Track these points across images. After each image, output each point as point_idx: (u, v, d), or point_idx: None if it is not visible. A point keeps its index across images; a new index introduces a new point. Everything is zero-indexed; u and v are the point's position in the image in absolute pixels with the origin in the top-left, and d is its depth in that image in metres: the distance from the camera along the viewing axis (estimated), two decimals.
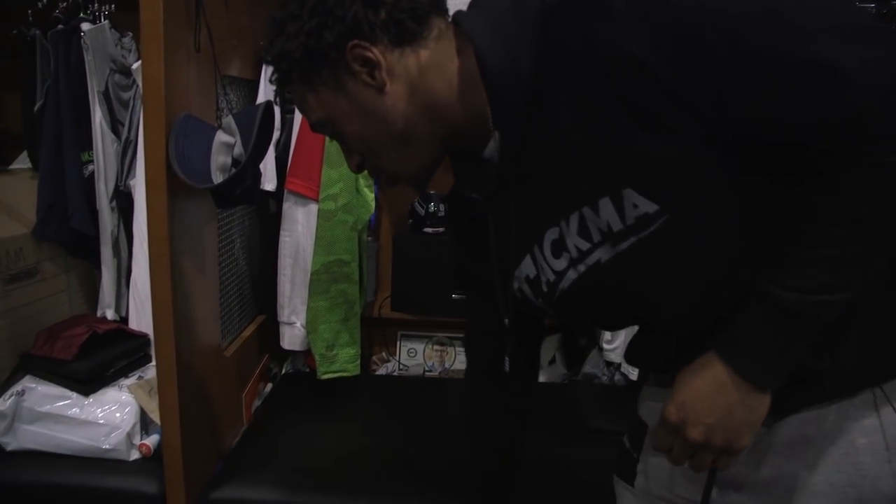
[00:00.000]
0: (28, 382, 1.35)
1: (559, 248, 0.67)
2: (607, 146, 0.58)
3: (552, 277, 0.69)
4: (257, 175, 1.27)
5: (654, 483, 0.79)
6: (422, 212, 1.89)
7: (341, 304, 1.52)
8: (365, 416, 1.56)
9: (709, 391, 0.63)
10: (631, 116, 0.56)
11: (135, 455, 1.33)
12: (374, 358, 1.98)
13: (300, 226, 1.54)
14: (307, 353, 1.66)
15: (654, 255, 0.62)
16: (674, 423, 0.65)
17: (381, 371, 1.97)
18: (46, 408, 1.32)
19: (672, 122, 0.55)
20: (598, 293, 0.69)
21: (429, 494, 1.28)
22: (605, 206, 0.60)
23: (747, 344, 0.61)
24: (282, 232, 1.57)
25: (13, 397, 1.32)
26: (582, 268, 0.66)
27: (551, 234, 0.67)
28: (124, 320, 1.54)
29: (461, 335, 2.01)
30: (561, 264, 0.68)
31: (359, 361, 1.59)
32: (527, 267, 0.71)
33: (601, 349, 1.71)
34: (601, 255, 0.64)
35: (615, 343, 1.65)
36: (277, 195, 1.59)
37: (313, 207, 1.52)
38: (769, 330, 0.60)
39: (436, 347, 2.00)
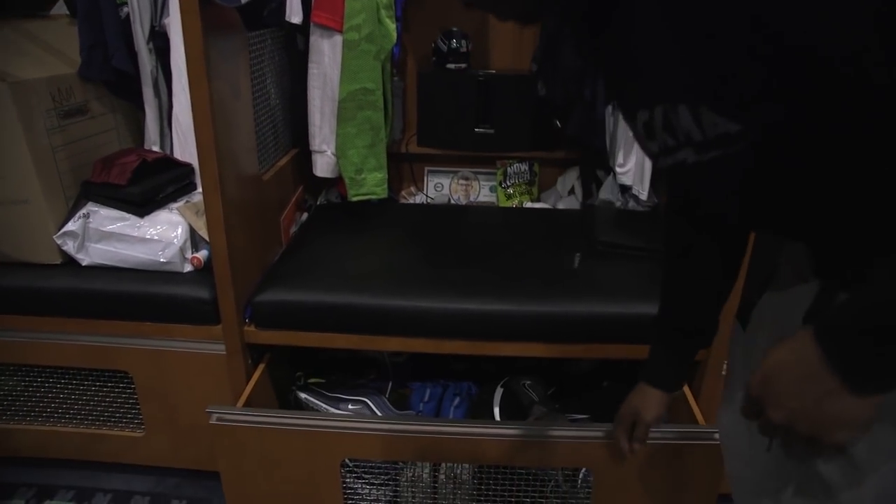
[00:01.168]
0: (91, 207, 1.51)
1: (650, 131, 0.62)
2: (693, 53, 0.53)
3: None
4: None
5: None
6: (444, 48, 1.92)
7: (367, 131, 1.62)
8: (397, 236, 1.70)
9: (798, 374, 0.54)
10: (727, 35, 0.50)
11: (188, 267, 1.50)
12: (403, 192, 2.09)
13: (326, 57, 1.60)
14: (339, 181, 1.77)
15: (735, 173, 0.58)
16: (754, 398, 0.58)
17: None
18: (109, 228, 1.49)
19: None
20: (688, 188, 0.71)
21: (459, 296, 1.43)
22: (684, 112, 0.56)
23: (849, 336, 0.51)
24: (310, 65, 1.64)
25: (81, 219, 1.48)
26: (669, 160, 0.62)
27: (642, 116, 0.63)
28: None
29: (485, 170, 2.10)
30: (653, 147, 0.64)
31: (386, 185, 1.70)
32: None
33: (615, 174, 1.78)
34: (686, 155, 0.60)
35: (627, 166, 1.71)
36: (304, 29, 1.64)
37: (338, 39, 1.57)
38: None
39: (461, 182, 2.10)
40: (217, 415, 1.29)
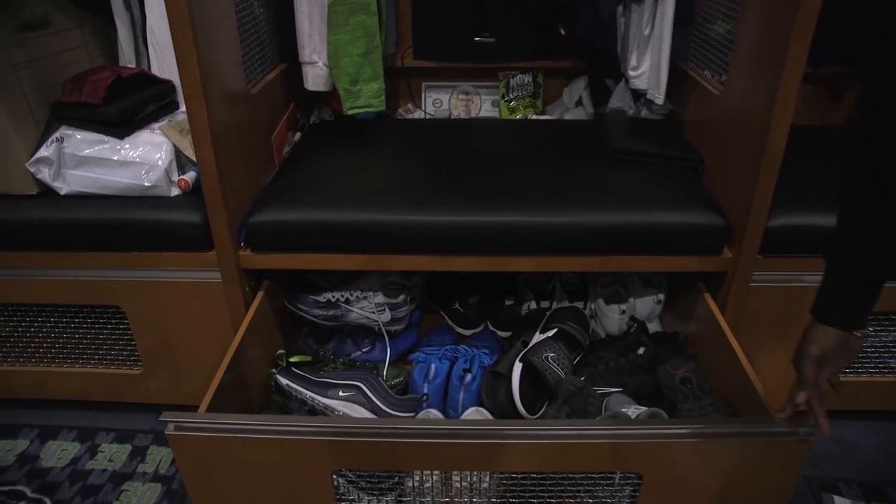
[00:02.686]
0: (65, 130, 1.39)
1: None
2: None
3: None
4: None
5: None
6: None
7: (361, 37, 1.48)
8: (398, 151, 1.58)
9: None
10: None
11: (175, 191, 1.40)
12: (400, 110, 1.97)
13: None
14: (332, 96, 1.65)
15: None
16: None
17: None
18: (87, 152, 1.37)
19: None
20: None
21: (470, 209, 1.33)
22: None
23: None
24: None
25: (54, 144, 1.36)
26: None
27: None
28: None
29: (486, 83, 1.97)
30: None
31: (383, 97, 1.58)
32: None
33: (627, 79, 1.66)
34: None
35: (641, 68, 1.60)
36: None
37: None
38: None
39: (461, 97, 1.97)
40: (175, 423, 1.01)
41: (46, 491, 1.42)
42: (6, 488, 1.43)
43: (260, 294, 1.41)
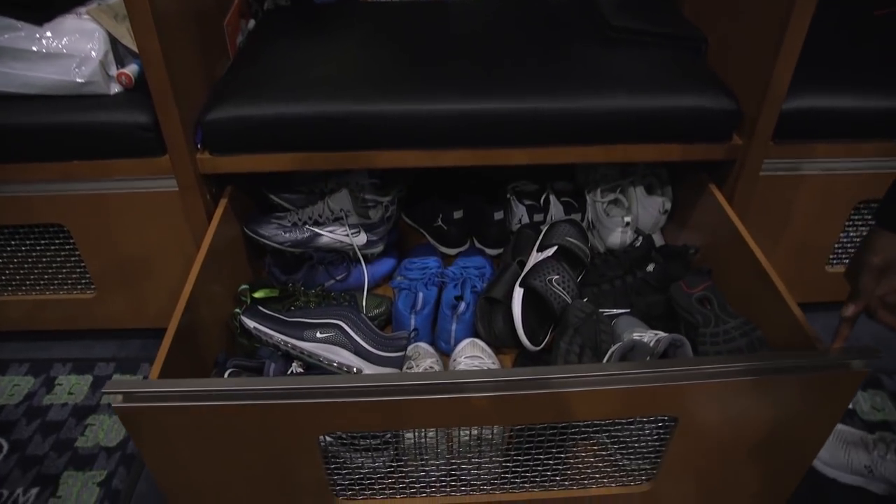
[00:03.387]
0: None
1: None
2: None
3: None
4: None
5: None
6: None
7: None
8: (369, 35, 1.40)
9: None
10: None
11: (115, 87, 1.20)
12: None
13: None
14: None
15: None
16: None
17: None
18: None
19: None
20: None
21: (458, 95, 1.18)
22: None
23: None
24: None
25: None
26: None
27: None
28: None
29: None
30: None
31: None
32: None
33: None
34: None
35: None
36: None
37: None
38: None
39: None
40: (123, 394, 0.80)
41: (1, 431, 1.29)
42: None
43: (223, 202, 1.25)
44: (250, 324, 1.13)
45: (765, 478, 1.00)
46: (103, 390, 0.78)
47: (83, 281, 1.38)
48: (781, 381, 0.85)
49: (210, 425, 0.84)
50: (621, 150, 1.23)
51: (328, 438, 0.93)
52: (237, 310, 1.17)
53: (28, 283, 1.38)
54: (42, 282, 1.38)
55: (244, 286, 1.24)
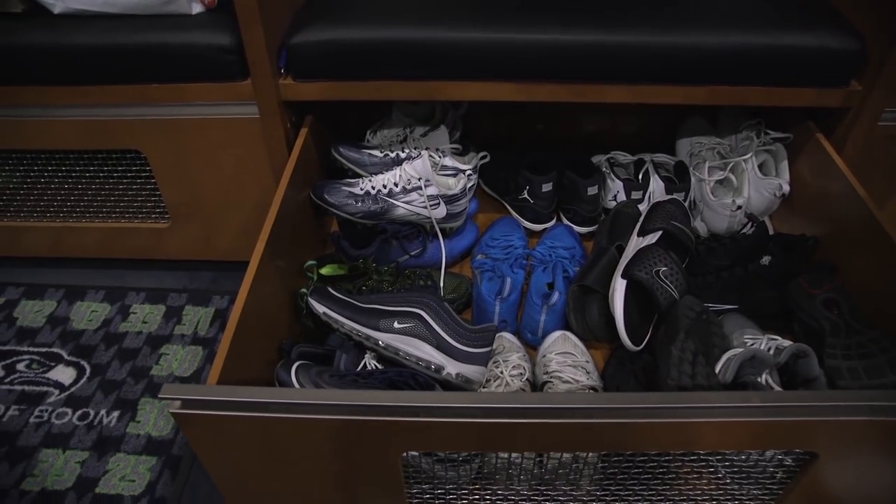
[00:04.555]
0: None
1: None
2: None
3: None
4: None
5: None
6: None
7: None
8: None
9: None
10: None
11: (197, 7, 1.16)
12: None
13: None
14: None
15: None
16: None
17: None
18: None
19: None
20: None
21: (556, 25, 1.10)
22: None
23: None
24: None
25: None
26: None
27: None
28: None
29: None
30: None
31: None
32: None
33: None
34: None
35: None
36: None
37: None
38: None
39: None
40: (181, 400, 0.72)
41: (82, 354, 1.30)
42: (42, 349, 1.31)
43: (304, 131, 1.21)
44: (319, 308, 1.02)
45: None
46: (160, 395, 0.71)
47: (158, 210, 1.37)
48: None
49: (276, 434, 0.75)
50: (726, 91, 1.15)
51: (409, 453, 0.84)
52: (303, 289, 1.07)
53: (105, 210, 1.37)
54: (117, 210, 1.37)
55: (311, 262, 1.14)
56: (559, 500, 0.90)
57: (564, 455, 0.84)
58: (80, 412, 1.20)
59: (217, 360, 0.81)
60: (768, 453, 0.83)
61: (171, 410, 0.71)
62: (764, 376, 0.95)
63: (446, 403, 0.71)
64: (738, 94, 1.15)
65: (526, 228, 1.35)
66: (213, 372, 0.80)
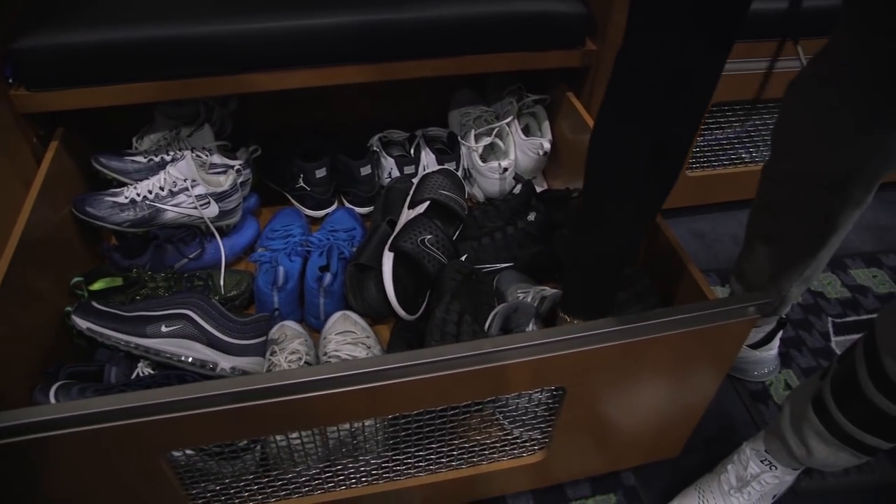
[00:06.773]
0: None
1: None
2: None
3: None
4: None
5: None
6: None
7: None
8: None
9: None
10: None
11: None
12: None
13: None
14: None
15: None
16: None
17: None
18: None
19: None
20: None
21: (286, 11, 1.12)
22: None
23: None
24: None
25: None
26: None
27: None
28: None
29: None
30: None
31: None
32: None
33: None
34: None
35: None
36: None
37: None
38: None
39: None
40: None
41: None
42: None
43: (54, 145, 1.15)
44: (83, 324, 0.98)
45: (658, 433, 0.97)
46: None
47: None
48: (673, 338, 0.79)
49: (22, 459, 0.69)
50: (474, 60, 1.21)
51: (175, 454, 0.81)
52: (68, 308, 1.02)
53: None
54: None
55: (77, 278, 1.09)
56: (354, 475, 0.91)
57: (341, 429, 0.85)
58: None
59: None
60: (535, 396, 0.88)
61: None
62: (531, 325, 1.01)
63: (193, 395, 0.68)
64: (485, 62, 1.21)
65: (309, 216, 1.37)
66: None
